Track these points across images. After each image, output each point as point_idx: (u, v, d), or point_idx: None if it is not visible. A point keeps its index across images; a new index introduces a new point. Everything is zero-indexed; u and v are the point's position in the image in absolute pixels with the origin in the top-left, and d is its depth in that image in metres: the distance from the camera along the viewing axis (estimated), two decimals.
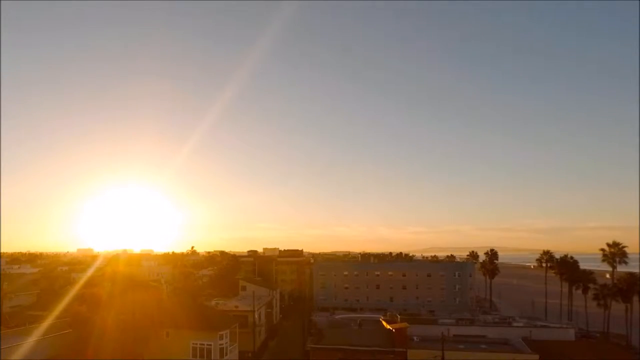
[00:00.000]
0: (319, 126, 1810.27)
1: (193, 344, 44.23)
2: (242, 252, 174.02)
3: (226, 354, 45.50)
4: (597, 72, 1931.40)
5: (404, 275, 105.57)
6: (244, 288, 79.52)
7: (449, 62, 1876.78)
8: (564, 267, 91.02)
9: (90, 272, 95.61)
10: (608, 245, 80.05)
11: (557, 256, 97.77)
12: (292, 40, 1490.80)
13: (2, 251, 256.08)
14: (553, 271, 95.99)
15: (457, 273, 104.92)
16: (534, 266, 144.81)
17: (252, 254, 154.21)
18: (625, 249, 79.33)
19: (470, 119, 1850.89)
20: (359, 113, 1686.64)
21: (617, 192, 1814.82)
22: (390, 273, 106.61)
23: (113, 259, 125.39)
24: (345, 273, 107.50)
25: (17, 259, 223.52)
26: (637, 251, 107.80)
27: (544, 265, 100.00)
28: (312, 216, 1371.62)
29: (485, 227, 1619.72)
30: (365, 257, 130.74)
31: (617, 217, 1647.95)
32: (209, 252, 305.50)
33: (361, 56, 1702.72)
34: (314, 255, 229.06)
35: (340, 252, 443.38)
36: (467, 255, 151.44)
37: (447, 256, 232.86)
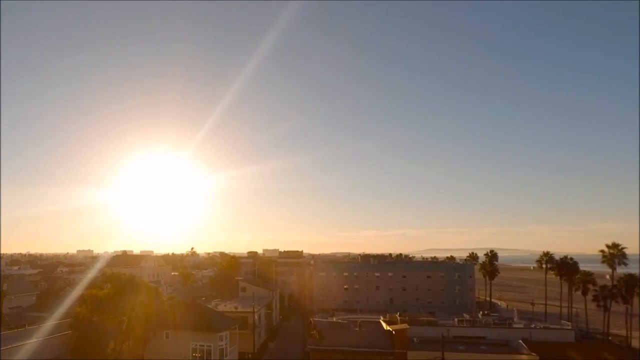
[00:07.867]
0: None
1: (193, 345, 44.35)
2: (242, 254, 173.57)
3: (226, 355, 45.55)
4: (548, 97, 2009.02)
5: (403, 277, 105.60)
6: (243, 289, 79.55)
7: (427, 65, 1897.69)
8: (564, 268, 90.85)
9: (90, 273, 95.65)
10: (607, 246, 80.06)
11: (557, 257, 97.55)
12: (291, 39, 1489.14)
13: (2, 252, 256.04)
14: (553, 272, 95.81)
15: (457, 274, 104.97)
16: (533, 267, 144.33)
17: (252, 255, 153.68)
18: (625, 249, 79.34)
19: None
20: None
21: (558, 200, 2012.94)
22: (390, 274, 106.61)
23: (113, 260, 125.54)
24: (345, 274, 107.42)
25: (17, 260, 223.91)
26: (637, 252, 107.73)
27: (544, 266, 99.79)
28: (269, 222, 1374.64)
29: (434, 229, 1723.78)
30: (365, 258, 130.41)
31: (556, 221, 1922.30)
32: (208, 254, 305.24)
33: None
34: (314, 256, 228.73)
35: (340, 253, 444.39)
36: (467, 257, 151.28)
37: (447, 257, 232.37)
